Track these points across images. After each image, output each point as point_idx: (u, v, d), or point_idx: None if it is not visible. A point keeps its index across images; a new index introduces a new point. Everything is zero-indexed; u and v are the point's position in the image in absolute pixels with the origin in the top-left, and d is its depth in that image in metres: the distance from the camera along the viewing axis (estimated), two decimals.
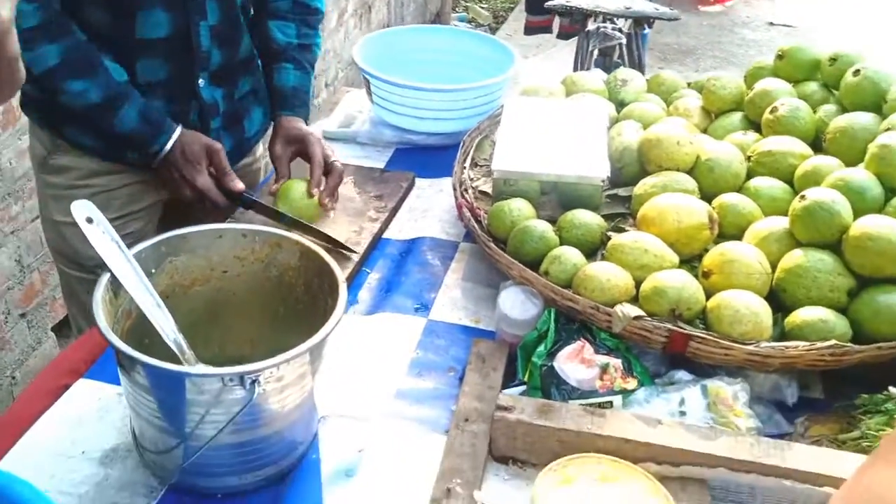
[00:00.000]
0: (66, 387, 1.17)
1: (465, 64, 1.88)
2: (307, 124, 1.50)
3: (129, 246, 1.49)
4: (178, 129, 1.33)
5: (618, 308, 1.12)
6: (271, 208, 1.37)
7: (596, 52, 2.99)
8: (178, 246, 1.06)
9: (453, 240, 1.47)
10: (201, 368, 0.95)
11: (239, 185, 1.35)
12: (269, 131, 1.58)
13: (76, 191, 1.42)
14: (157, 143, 1.32)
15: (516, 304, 1.18)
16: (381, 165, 1.68)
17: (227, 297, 1.12)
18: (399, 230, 1.50)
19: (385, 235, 1.48)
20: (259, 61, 1.54)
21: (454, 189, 1.42)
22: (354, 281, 1.36)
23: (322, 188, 1.39)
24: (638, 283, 1.18)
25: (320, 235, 1.32)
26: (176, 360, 0.99)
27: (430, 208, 1.56)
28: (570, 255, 1.21)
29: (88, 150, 1.40)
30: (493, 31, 5.35)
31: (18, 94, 1.42)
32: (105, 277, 0.97)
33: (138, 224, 1.50)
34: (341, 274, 1.03)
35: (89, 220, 0.98)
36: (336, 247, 1.34)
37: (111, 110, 1.29)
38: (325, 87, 3.91)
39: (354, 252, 1.36)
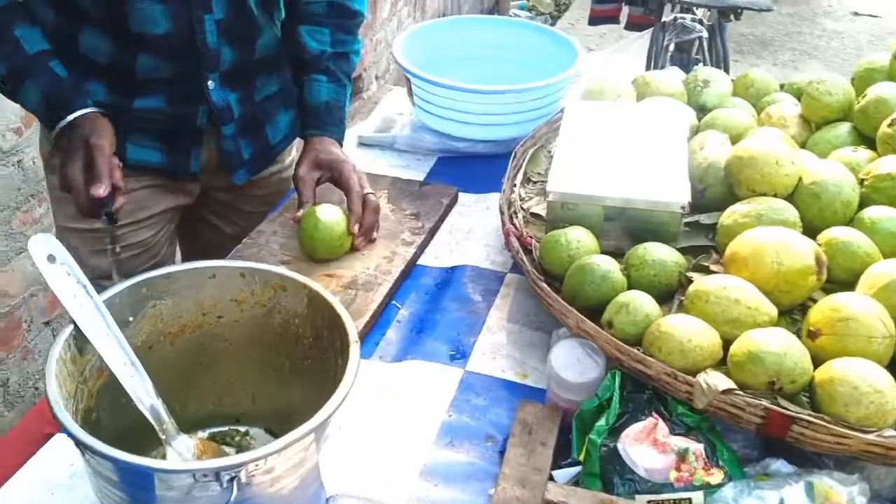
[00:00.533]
0: (50, 436, 1.02)
1: (521, 60, 1.66)
2: (341, 146, 1.31)
3: (138, 254, 1.36)
4: (75, 115, 1.10)
5: (702, 378, 0.89)
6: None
7: (672, 47, 2.67)
8: (162, 287, 0.88)
9: (499, 270, 1.26)
10: (165, 462, 0.77)
11: (98, 192, 1.04)
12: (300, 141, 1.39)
13: None
14: (58, 124, 1.11)
15: (571, 363, 0.96)
16: (421, 177, 1.47)
17: (223, 346, 0.94)
18: (436, 256, 1.29)
19: (420, 261, 1.27)
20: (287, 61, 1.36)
21: (501, 212, 1.21)
22: (382, 317, 1.16)
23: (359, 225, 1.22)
24: (726, 342, 0.95)
25: None
26: (152, 430, 0.81)
27: (473, 229, 1.35)
28: (641, 303, 0.99)
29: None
30: (555, 19, 5.08)
31: None
32: (67, 331, 0.79)
33: (149, 232, 1.34)
34: (354, 330, 0.83)
35: (51, 259, 0.80)
36: None
37: (15, 84, 1.11)
38: (376, 79, 3.72)
39: None
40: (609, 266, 1.04)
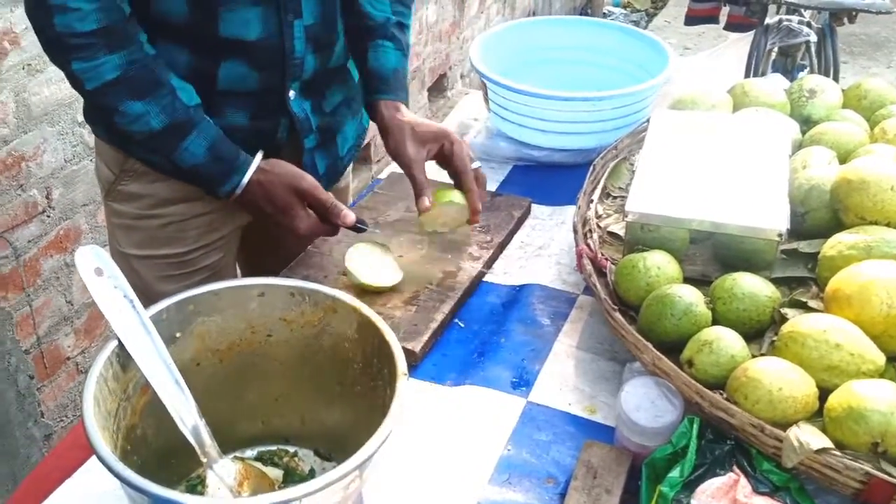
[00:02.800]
0: None
1: (608, 64, 1.57)
2: (407, 107, 1.24)
3: (207, 278, 1.30)
4: (254, 164, 1.10)
5: (793, 433, 0.79)
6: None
7: (775, 52, 2.45)
8: (210, 304, 0.84)
9: (570, 291, 1.17)
10: (197, 499, 0.73)
11: (351, 218, 1.12)
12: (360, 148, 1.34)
13: (146, 221, 1.23)
14: (227, 183, 1.10)
15: (645, 404, 0.88)
16: (494, 187, 1.40)
17: (272, 365, 0.90)
18: (504, 272, 1.22)
19: (486, 278, 1.20)
20: (350, 64, 1.30)
21: (574, 230, 1.12)
22: (442, 336, 1.10)
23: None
24: (822, 392, 0.84)
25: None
26: (194, 454, 0.78)
27: (546, 245, 1.27)
28: (728, 343, 0.89)
29: (159, 168, 1.21)
30: (651, 17, 4.89)
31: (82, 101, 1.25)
32: (110, 347, 0.77)
33: (216, 255, 1.29)
34: (403, 361, 0.77)
35: (98, 272, 0.78)
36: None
37: (174, 140, 1.07)
38: (461, 77, 3.67)
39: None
40: (692, 298, 0.94)
